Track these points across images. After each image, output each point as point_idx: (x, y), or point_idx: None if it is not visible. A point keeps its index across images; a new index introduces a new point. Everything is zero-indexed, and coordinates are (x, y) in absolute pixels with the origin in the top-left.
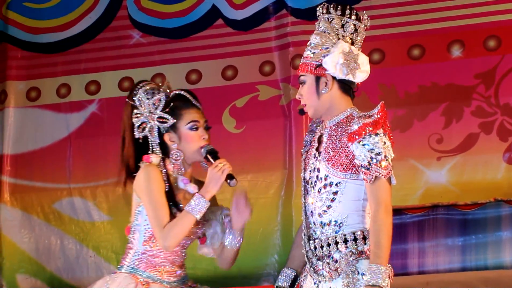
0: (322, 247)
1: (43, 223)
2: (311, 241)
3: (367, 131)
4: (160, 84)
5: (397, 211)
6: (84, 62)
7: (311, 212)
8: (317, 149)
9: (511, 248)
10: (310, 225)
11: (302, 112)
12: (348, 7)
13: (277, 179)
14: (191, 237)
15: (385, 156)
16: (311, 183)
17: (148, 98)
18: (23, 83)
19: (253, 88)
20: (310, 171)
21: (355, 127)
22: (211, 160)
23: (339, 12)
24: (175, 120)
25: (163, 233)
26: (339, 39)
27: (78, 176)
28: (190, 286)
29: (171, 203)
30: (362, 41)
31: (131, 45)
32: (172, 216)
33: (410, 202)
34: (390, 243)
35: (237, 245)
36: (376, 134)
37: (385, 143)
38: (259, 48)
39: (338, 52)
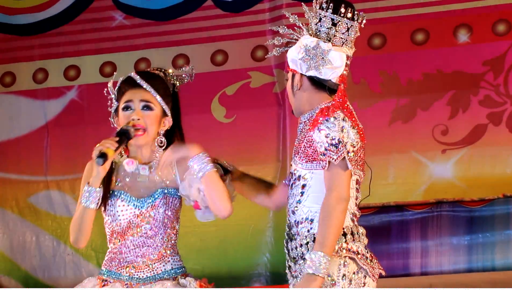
0: (296, 247)
1: (17, 218)
2: (290, 243)
3: (324, 115)
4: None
5: (399, 207)
6: (63, 45)
7: (287, 210)
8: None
9: None
10: (290, 224)
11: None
12: (324, 0)
13: (270, 172)
14: (155, 223)
15: (340, 140)
16: (289, 180)
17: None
18: None
19: (244, 74)
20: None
21: (316, 116)
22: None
23: (317, 6)
24: (117, 103)
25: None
26: (311, 34)
27: (55, 168)
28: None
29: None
30: (347, 36)
31: (113, 28)
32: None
33: (412, 198)
34: (338, 232)
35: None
36: (334, 118)
37: (343, 127)
38: (251, 31)
39: (298, 47)
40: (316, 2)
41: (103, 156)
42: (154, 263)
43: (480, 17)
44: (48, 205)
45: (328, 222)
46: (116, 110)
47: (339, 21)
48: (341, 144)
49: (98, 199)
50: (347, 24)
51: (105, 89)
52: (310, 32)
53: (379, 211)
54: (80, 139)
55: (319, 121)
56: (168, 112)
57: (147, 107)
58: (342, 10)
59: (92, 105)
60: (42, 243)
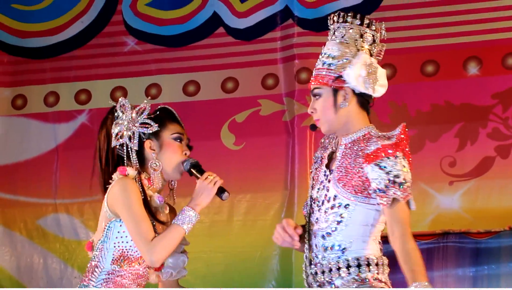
0: (323, 272)
1: (25, 240)
2: (312, 266)
3: (386, 153)
4: None
5: None
6: (75, 69)
7: (315, 233)
8: (327, 166)
9: None
10: (312, 248)
11: (314, 127)
12: (366, 16)
13: (278, 200)
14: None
15: (404, 179)
16: (318, 202)
17: (132, 107)
18: (9, 90)
19: (254, 102)
20: (318, 189)
21: (372, 148)
22: (197, 174)
23: (357, 22)
24: (159, 128)
25: (149, 247)
26: (358, 50)
27: (64, 191)
28: None
29: (150, 216)
30: (381, 53)
31: (125, 53)
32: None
33: (419, 229)
34: (423, 264)
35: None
36: (396, 157)
37: (404, 166)
38: (262, 59)
39: (360, 64)
40: (354, 17)
41: (226, 190)
42: None
43: (490, 50)
44: (56, 228)
45: (416, 253)
46: (156, 134)
47: (377, 38)
48: (406, 183)
49: (193, 224)
50: (379, 40)
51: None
52: (358, 48)
53: (386, 241)
54: (89, 163)
55: (379, 156)
56: None
57: (189, 147)
58: (376, 26)
59: None
60: (49, 265)
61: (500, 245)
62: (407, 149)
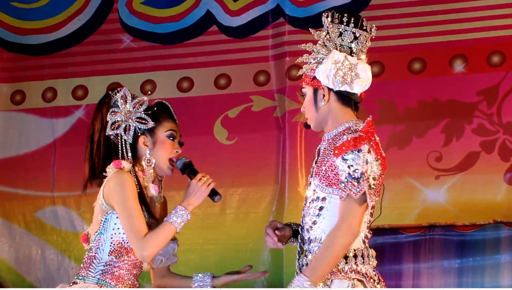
0: (307, 264)
1: (24, 231)
2: (300, 258)
3: (350, 146)
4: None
5: (392, 230)
6: (72, 65)
7: (302, 227)
8: (316, 162)
9: (509, 272)
10: (303, 241)
11: (307, 125)
12: (347, 14)
13: (269, 193)
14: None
15: (362, 174)
16: (305, 197)
17: (132, 98)
18: (8, 86)
19: (246, 98)
20: (307, 185)
21: (341, 141)
22: (190, 174)
23: (336, 20)
24: (154, 124)
25: (141, 243)
26: (336, 48)
27: (62, 184)
28: None
29: (144, 211)
30: (365, 50)
31: (121, 50)
32: (147, 225)
33: (406, 221)
34: (334, 264)
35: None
36: (359, 151)
37: (367, 160)
38: (254, 56)
39: (330, 63)
40: (334, 17)
41: (218, 192)
42: (136, 283)
43: (476, 48)
44: (54, 220)
45: (328, 252)
46: (151, 130)
47: (360, 34)
48: (362, 178)
49: (184, 223)
50: (366, 36)
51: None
52: (336, 47)
53: (374, 234)
54: None
55: (344, 149)
56: None
57: (180, 144)
58: (364, 24)
59: None
60: (47, 256)
61: (485, 237)
62: (375, 141)
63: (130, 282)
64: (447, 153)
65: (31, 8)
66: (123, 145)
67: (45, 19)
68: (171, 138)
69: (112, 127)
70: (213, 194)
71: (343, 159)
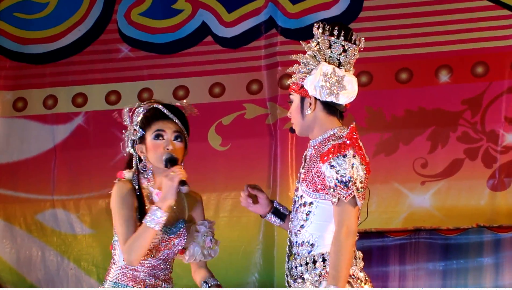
0: (296, 267)
1: (25, 234)
2: (289, 261)
3: (336, 152)
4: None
5: (379, 234)
6: (72, 74)
7: (290, 231)
8: (303, 168)
9: (492, 275)
10: (291, 245)
11: (293, 130)
12: (337, 27)
13: None
14: (173, 250)
15: (350, 178)
16: (293, 202)
17: (128, 111)
18: (10, 93)
19: (240, 106)
20: (295, 190)
21: (326, 148)
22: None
23: (327, 33)
24: (143, 132)
25: (125, 248)
26: (325, 60)
27: (62, 188)
28: None
29: (141, 217)
30: (353, 62)
31: (119, 59)
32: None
33: (393, 225)
34: (350, 265)
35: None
36: (344, 156)
37: (353, 165)
38: (247, 66)
39: (318, 74)
40: (325, 29)
41: (186, 183)
42: (163, 284)
43: (460, 59)
44: (54, 222)
45: (340, 256)
46: (141, 138)
47: (349, 47)
48: (351, 182)
49: (162, 222)
50: (354, 49)
51: (114, 114)
52: (325, 58)
53: (361, 237)
54: (85, 162)
55: (331, 156)
56: (187, 146)
57: (180, 138)
58: (353, 37)
59: (98, 130)
60: (47, 257)
61: (468, 241)
62: (359, 146)
63: (150, 283)
64: (433, 159)
65: (33, 19)
66: (132, 157)
67: (47, 29)
68: (158, 138)
69: (123, 147)
70: (181, 184)
71: (331, 165)
